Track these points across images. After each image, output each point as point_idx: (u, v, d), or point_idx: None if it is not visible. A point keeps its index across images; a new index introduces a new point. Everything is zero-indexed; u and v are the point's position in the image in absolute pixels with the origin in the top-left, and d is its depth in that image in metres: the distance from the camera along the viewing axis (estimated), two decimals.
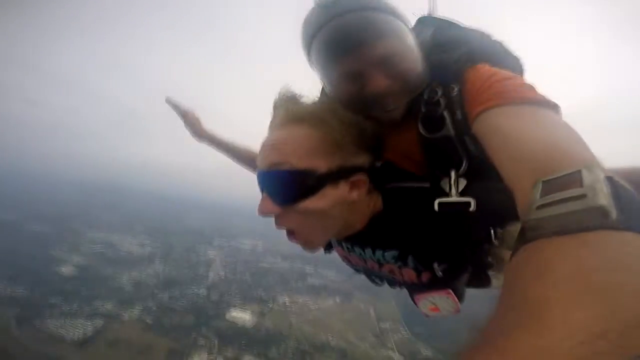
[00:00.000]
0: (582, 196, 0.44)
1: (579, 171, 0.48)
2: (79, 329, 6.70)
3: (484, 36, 1.00)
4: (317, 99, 0.91)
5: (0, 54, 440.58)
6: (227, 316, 8.92)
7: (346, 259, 1.17)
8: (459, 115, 0.82)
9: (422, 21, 1.05)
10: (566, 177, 0.49)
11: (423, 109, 0.85)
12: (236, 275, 11.49)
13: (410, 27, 0.90)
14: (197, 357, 6.74)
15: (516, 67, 1.07)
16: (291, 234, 0.90)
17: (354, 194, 0.87)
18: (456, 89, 0.84)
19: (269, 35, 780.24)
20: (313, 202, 0.78)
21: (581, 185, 0.46)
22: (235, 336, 7.94)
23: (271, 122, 0.92)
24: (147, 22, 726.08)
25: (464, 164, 0.83)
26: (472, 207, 0.76)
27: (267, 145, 0.86)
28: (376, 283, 1.23)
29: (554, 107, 0.76)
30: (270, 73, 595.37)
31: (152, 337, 7.21)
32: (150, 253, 12.43)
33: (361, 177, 0.83)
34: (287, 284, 11.00)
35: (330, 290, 10.34)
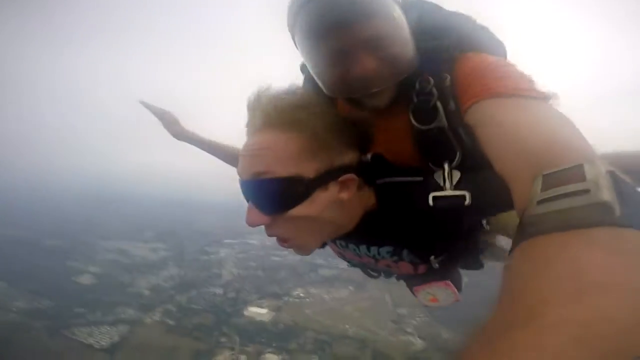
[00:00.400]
0: (586, 191, 0.48)
1: (581, 165, 0.51)
2: (106, 336, 6.84)
3: (469, 21, 1.03)
4: (297, 91, 0.89)
5: None
6: (245, 312, 9.10)
7: (340, 255, 1.19)
8: (452, 105, 0.85)
9: (406, 3, 0.99)
10: (568, 171, 0.52)
11: (415, 100, 0.89)
12: (249, 272, 11.65)
13: (399, 5, 0.91)
14: (220, 356, 6.90)
15: (501, 52, 1.08)
16: (283, 241, 0.91)
17: (344, 194, 0.82)
18: (448, 79, 0.86)
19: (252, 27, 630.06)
20: (303, 209, 0.80)
21: (584, 180, 0.49)
22: (255, 332, 8.11)
23: (248, 125, 0.89)
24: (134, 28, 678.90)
25: (457, 156, 0.86)
26: (467, 201, 0.79)
27: (247, 153, 0.83)
28: (372, 276, 1.25)
29: (550, 98, 0.77)
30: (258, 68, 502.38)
31: (176, 339, 7.38)
32: (164, 257, 12.59)
33: (350, 175, 0.82)
34: (299, 277, 11.15)
35: (343, 280, 10.44)
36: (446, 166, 0.85)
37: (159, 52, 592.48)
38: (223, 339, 7.93)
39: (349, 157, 0.84)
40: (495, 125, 0.73)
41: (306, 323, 9.11)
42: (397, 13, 0.89)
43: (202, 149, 1.72)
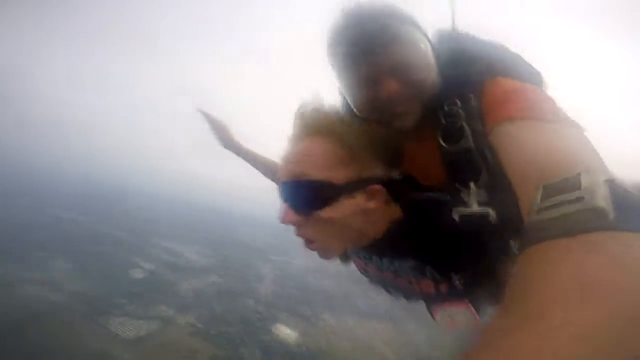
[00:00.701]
0: (580, 198, 0.51)
1: (578, 174, 0.55)
2: (134, 328, 7.32)
3: (503, 49, 1.10)
4: (336, 108, 1.05)
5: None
6: (272, 329, 9.19)
7: (363, 270, 1.28)
8: (478, 127, 0.90)
9: (441, 34, 1.13)
10: (566, 180, 0.56)
11: (443, 121, 0.95)
12: (285, 290, 11.79)
13: (426, 36, 1.01)
14: None
15: (536, 80, 1.11)
16: (309, 242, 1.05)
17: (371, 204, 0.93)
18: (475, 101, 0.92)
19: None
20: (330, 211, 0.90)
21: (579, 188, 0.53)
22: (277, 350, 8.13)
23: (292, 133, 1.02)
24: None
25: (483, 175, 0.91)
26: (492, 217, 0.83)
27: (287, 158, 0.97)
28: (392, 294, 1.31)
29: (570, 121, 0.83)
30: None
31: (199, 343, 7.66)
32: (211, 264, 13.25)
33: (377, 186, 0.93)
34: (333, 303, 11.01)
35: (379, 313, 10.07)
36: (472, 185, 0.90)
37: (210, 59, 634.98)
38: (244, 350, 8.05)
39: (378, 171, 0.95)
40: (512, 145, 0.79)
41: (330, 350, 8.92)
42: (423, 42, 0.99)
43: (246, 160, 1.91)
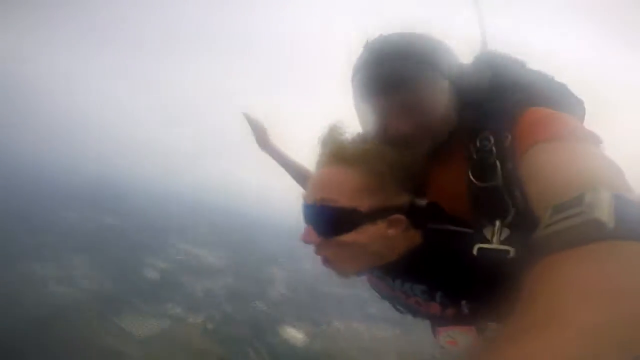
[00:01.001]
0: (580, 213, 0.54)
1: (583, 193, 0.58)
2: (146, 327, 7.47)
3: (546, 78, 1.09)
4: (366, 136, 1.08)
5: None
6: (281, 332, 9.23)
7: (374, 285, 1.31)
8: (509, 165, 0.89)
9: (481, 59, 1.13)
10: (572, 200, 0.59)
11: (474, 156, 0.95)
12: (296, 294, 11.83)
13: (447, 74, 1.01)
14: None
15: (578, 111, 1.09)
16: (327, 262, 1.10)
17: (391, 232, 0.98)
18: (509, 139, 0.90)
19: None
20: (351, 237, 0.95)
21: (581, 205, 0.55)
22: (284, 353, 8.15)
23: (319, 158, 1.08)
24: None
25: (510, 216, 0.90)
26: (511, 255, 0.83)
27: (313, 182, 1.02)
28: (400, 311, 1.33)
29: (589, 137, 0.86)
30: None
31: (208, 343, 7.75)
32: (225, 265, 13.40)
33: (399, 216, 0.97)
34: (343, 309, 10.97)
35: (389, 320, 9.96)
36: (498, 223, 0.90)
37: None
38: (251, 352, 8.10)
39: (402, 200, 0.99)
40: (531, 170, 0.82)
41: (338, 355, 8.89)
42: (440, 83, 0.99)
43: (279, 163, 2.00)
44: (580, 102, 1.11)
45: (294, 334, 8.76)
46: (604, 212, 0.51)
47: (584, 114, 1.10)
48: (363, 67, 1.08)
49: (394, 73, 0.98)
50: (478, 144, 0.94)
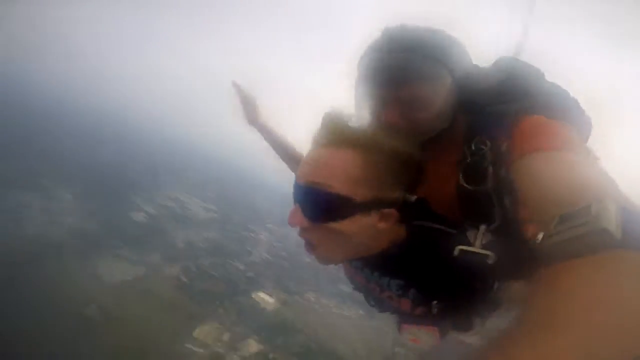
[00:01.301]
0: (587, 222, 0.56)
1: (589, 205, 0.60)
2: (120, 273, 7.59)
3: (559, 90, 1.08)
4: (370, 123, 1.09)
5: None
6: (254, 295, 9.50)
7: (350, 276, 1.33)
8: (503, 172, 0.92)
9: (498, 63, 1.13)
10: (578, 210, 0.61)
11: (468, 159, 0.98)
12: (276, 260, 12.08)
13: (453, 72, 1.01)
14: (207, 326, 7.27)
15: (583, 127, 1.09)
16: (310, 246, 1.09)
17: (382, 225, 0.99)
18: (506, 144, 0.92)
19: None
20: (341, 225, 0.94)
21: (588, 215, 0.58)
22: (251, 316, 8.41)
23: (316, 136, 1.05)
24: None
25: (495, 222, 0.93)
26: (490, 261, 0.86)
27: (309, 161, 0.99)
28: (370, 304, 1.37)
29: (586, 150, 0.85)
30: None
31: (179, 296, 7.94)
32: (211, 219, 13.54)
33: (392, 210, 0.97)
34: (319, 283, 11.27)
35: (358, 302, 10.27)
36: (482, 227, 0.92)
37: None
38: (220, 311, 8.36)
39: (396, 194, 0.98)
40: (528, 177, 0.82)
41: (303, 327, 9.19)
42: (443, 80, 0.99)
43: (269, 142, 1.95)
44: (587, 120, 1.09)
45: (266, 299, 9.00)
46: (612, 223, 0.52)
47: (590, 131, 1.08)
48: (369, 53, 1.07)
49: (396, 65, 0.98)
50: (473, 147, 0.96)
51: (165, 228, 11.74)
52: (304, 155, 1.05)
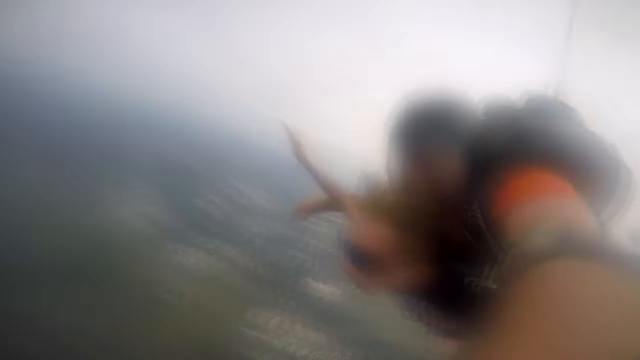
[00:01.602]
0: (538, 239, 0.57)
1: (533, 229, 0.63)
2: (198, 263, 7.88)
3: (585, 138, 0.99)
4: (399, 193, 1.18)
5: None
6: (314, 285, 9.60)
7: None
8: (494, 228, 0.90)
9: (530, 103, 1.11)
10: (536, 230, 0.63)
11: (465, 217, 1.03)
12: (335, 252, 12.07)
13: (461, 143, 1.04)
14: (269, 313, 7.35)
15: (614, 184, 1.00)
16: (357, 283, 1.26)
17: (414, 275, 1.16)
18: (493, 205, 0.90)
19: None
20: (382, 277, 1.16)
21: (525, 239, 0.62)
22: (311, 305, 8.44)
23: (359, 204, 1.25)
24: None
25: (498, 262, 0.95)
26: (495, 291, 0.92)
27: (356, 228, 1.22)
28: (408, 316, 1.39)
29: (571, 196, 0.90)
30: None
31: (244, 284, 8.08)
32: (273, 209, 13.89)
33: (426, 269, 1.14)
34: None
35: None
36: (488, 266, 1.03)
37: None
38: (281, 300, 8.58)
39: (429, 254, 1.15)
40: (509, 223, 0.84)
41: (360, 317, 9.11)
42: (453, 161, 1.05)
43: (313, 178, 2.20)
44: (624, 175, 1.01)
45: (326, 289, 9.08)
46: (543, 241, 0.57)
47: (628, 187, 1.00)
48: (400, 120, 1.13)
49: (421, 154, 1.08)
50: (465, 206, 1.02)
51: (233, 218, 12.29)
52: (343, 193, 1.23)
